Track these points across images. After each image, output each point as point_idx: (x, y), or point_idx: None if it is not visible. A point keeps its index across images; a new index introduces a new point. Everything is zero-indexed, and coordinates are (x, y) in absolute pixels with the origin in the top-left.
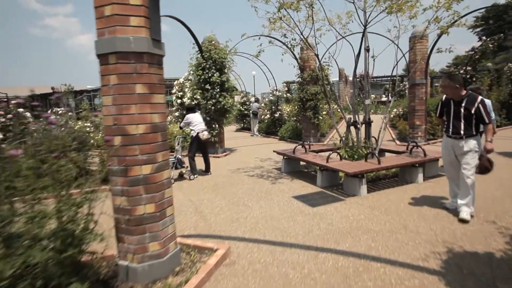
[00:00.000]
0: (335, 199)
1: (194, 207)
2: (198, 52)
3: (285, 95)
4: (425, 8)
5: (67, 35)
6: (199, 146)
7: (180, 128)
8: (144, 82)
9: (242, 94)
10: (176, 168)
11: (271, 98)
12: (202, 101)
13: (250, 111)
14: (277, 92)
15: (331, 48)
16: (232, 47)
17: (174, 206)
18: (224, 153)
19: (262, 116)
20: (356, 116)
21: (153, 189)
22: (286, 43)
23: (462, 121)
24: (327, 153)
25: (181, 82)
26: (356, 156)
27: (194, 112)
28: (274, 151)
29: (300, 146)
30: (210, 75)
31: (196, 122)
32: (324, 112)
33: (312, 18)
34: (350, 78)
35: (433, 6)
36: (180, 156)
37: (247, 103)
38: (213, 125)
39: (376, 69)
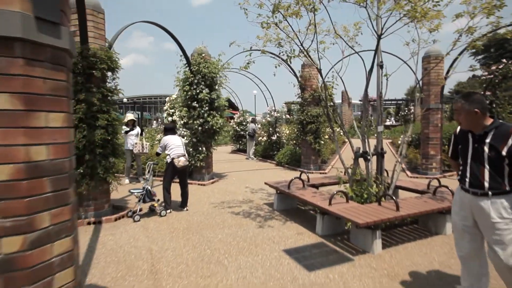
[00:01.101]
0: (340, 258)
1: (151, 263)
2: (186, 65)
3: (284, 116)
4: (459, 14)
5: None
6: (174, 175)
7: (157, 154)
8: (15, 90)
9: (239, 113)
10: (145, 201)
11: (269, 119)
12: (189, 121)
13: (247, 132)
14: (275, 112)
15: (337, 65)
16: (225, 61)
17: (127, 258)
18: (211, 180)
19: (259, 138)
20: (366, 145)
21: (24, 279)
22: (281, 53)
23: (486, 167)
24: (329, 188)
25: (174, 98)
26: (365, 196)
27: (173, 133)
28: (266, 184)
29: (297, 179)
30: (198, 91)
31: (173, 145)
32: (326, 137)
33: (315, 26)
34: (353, 101)
35: (467, 13)
36: (149, 187)
37: (244, 123)
38: (200, 148)
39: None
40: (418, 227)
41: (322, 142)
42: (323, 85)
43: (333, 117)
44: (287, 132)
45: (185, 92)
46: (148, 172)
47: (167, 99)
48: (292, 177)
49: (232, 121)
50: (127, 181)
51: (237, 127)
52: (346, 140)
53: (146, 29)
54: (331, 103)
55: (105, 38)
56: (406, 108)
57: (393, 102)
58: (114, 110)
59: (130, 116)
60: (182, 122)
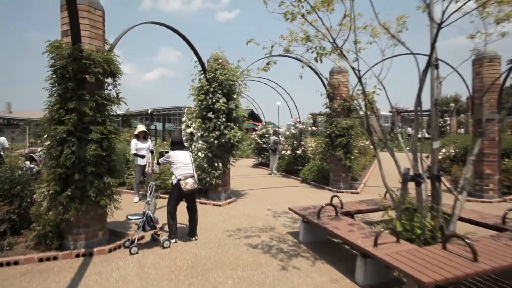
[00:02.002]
0: None
1: None
2: (201, 72)
3: (309, 128)
4: None
5: None
6: (180, 199)
7: (158, 164)
8: None
9: (261, 125)
10: (144, 229)
11: (293, 131)
12: (204, 133)
13: (269, 145)
14: (300, 124)
15: (375, 68)
16: (245, 68)
17: None
18: (228, 200)
19: (282, 152)
20: (419, 166)
21: None
22: (310, 50)
23: None
24: (367, 216)
25: (192, 109)
26: (418, 231)
27: (181, 148)
28: (290, 209)
29: (328, 205)
30: (214, 100)
31: (180, 163)
32: (356, 151)
33: (352, 18)
34: (381, 112)
35: None
36: (150, 212)
37: (266, 135)
38: (215, 164)
39: (400, 100)
40: (498, 278)
41: (353, 157)
42: (362, 91)
43: (375, 131)
44: (313, 145)
45: (200, 102)
46: (150, 194)
47: (185, 110)
48: (319, 196)
49: (254, 133)
50: (136, 198)
51: (259, 140)
52: (376, 153)
53: (174, 43)
54: (372, 113)
55: (104, 38)
56: (441, 120)
57: (423, 113)
58: (111, 121)
59: (141, 127)
60: (199, 134)
